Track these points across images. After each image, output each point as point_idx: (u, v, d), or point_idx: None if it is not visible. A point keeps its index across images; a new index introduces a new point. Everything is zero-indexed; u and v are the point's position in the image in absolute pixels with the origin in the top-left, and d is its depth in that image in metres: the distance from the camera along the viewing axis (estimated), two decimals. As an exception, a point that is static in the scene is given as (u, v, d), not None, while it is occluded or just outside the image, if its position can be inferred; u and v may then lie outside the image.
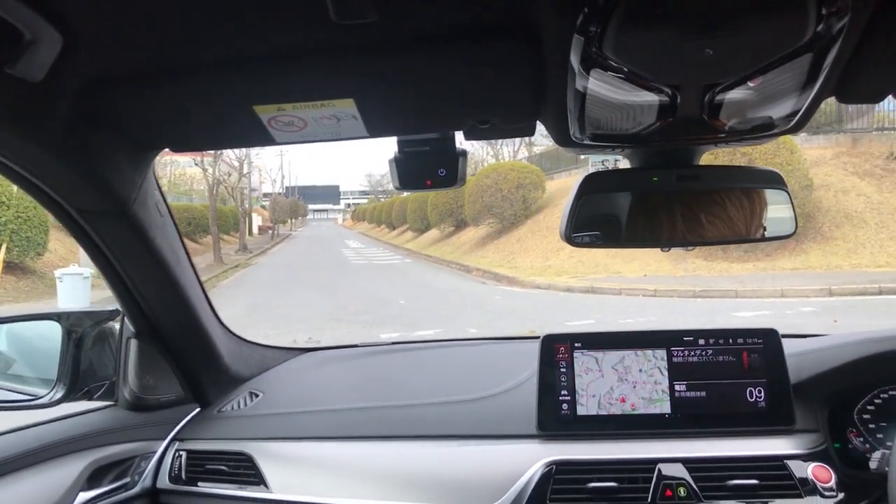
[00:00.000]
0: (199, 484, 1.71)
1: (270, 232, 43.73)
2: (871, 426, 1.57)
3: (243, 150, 29.03)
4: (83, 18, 0.88)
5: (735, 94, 0.95)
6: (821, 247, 13.88)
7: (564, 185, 19.00)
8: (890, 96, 1.03)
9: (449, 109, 1.13)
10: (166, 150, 1.29)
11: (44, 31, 0.85)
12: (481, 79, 1.02)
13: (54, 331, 1.69)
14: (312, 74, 1.00)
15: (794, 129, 1.10)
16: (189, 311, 1.67)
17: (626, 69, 0.87)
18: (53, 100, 1.01)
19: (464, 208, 23.10)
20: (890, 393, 1.59)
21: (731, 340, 1.60)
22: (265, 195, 66.16)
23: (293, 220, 63.13)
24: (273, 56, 0.97)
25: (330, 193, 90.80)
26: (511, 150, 35.21)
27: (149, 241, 1.43)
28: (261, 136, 1.15)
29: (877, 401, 1.59)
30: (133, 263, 1.49)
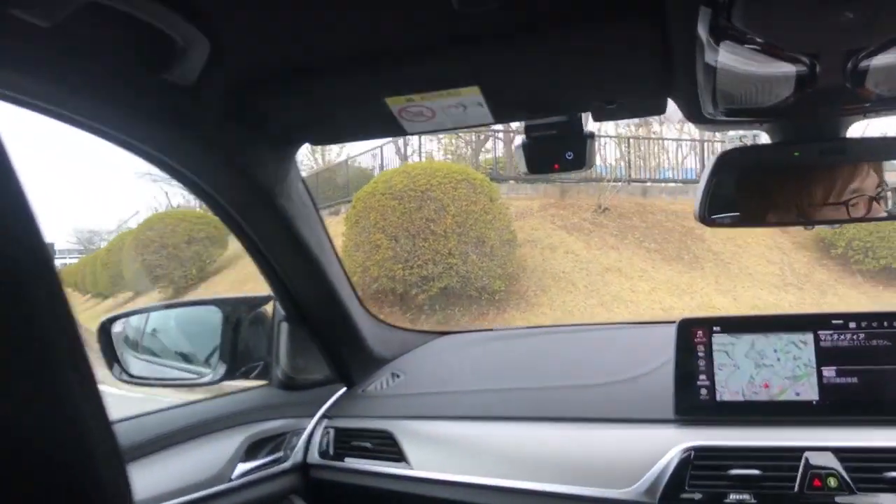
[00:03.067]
0: (346, 459, 1.81)
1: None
2: None
3: None
4: (229, 24, 0.96)
5: (883, 59, 0.89)
6: (524, 315, 10.89)
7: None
8: None
9: (574, 92, 1.13)
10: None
11: (194, 38, 0.94)
12: (606, 59, 1.01)
13: (215, 316, 1.84)
14: (438, 64, 1.04)
15: None
16: (334, 297, 1.76)
17: (758, 39, 0.84)
18: (204, 101, 1.11)
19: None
20: None
21: (885, 323, 1.49)
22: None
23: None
24: (400, 48, 1.01)
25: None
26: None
27: (294, 230, 1.53)
28: (393, 127, 1.20)
29: None
30: (280, 251, 1.60)
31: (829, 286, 12.53)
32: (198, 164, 1.28)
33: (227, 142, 1.24)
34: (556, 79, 1.08)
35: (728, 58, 0.90)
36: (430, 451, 1.71)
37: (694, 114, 1.13)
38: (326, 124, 1.29)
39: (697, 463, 1.45)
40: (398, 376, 1.99)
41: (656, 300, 11.32)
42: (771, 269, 12.88)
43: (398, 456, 1.73)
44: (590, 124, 1.30)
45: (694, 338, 1.58)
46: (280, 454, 1.79)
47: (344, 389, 1.98)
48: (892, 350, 1.47)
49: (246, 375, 1.87)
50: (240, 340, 1.84)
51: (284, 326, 1.84)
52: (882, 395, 1.46)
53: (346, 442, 1.83)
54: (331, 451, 1.83)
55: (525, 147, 1.30)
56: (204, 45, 0.96)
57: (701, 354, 1.57)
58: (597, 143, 1.33)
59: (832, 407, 1.48)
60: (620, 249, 12.71)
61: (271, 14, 0.94)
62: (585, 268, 12.19)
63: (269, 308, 1.89)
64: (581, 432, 1.61)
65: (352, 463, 1.80)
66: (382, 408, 1.86)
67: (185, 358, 1.95)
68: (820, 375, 1.49)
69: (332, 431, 1.85)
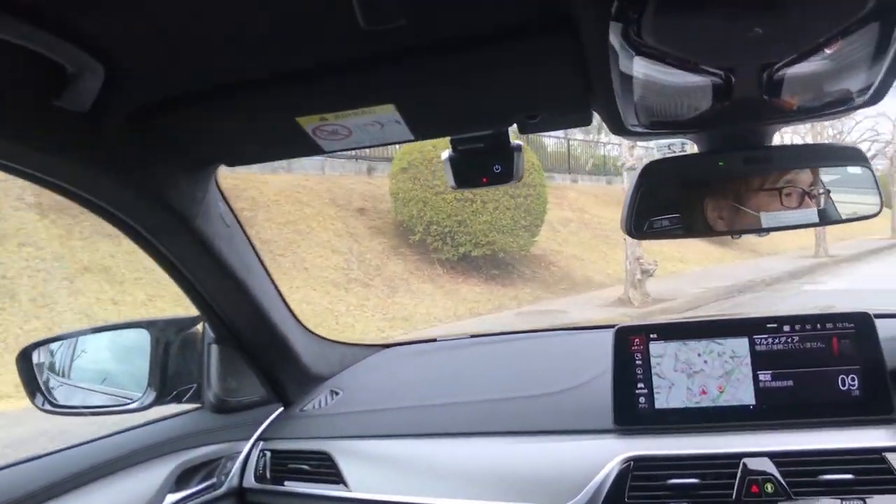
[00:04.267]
0: (286, 483, 1.76)
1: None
2: None
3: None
4: (123, 49, 0.90)
5: (796, 71, 0.88)
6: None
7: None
8: None
9: (493, 108, 1.10)
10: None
11: (85, 64, 0.88)
12: (523, 75, 0.99)
13: (143, 338, 1.77)
14: (350, 83, 1.00)
15: (873, 101, 1.01)
16: (264, 316, 1.71)
17: (670, 54, 0.82)
18: (104, 127, 1.05)
19: None
20: None
21: (819, 326, 1.50)
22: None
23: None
24: (310, 68, 0.97)
25: None
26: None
27: (216, 252, 1.47)
28: (309, 146, 1.16)
29: None
30: (204, 274, 1.54)
31: (402, 280, 11.38)
32: (106, 191, 1.21)
33: (135, 167, 1.18)
34: (474, 95, 1.05)
35: (644, 70, 0.88)
36: (368, 472, 1.68)
37: (616, 126, 1.11)
38: (238, 146, 1.24)
39: (637, 473, 1.44)
40: (337, 393, 1.94)
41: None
42: (334, 262, 11.16)
43: (336, 478, 1.68)
44: (518, 136, 1.27)
45: (631, 346, 1.57)
46: (214, 480, 1.73)
47: (280, 410, 1.92)
48: (825, 352, 1.48)
49: (177, 400, 1.80)
50: (170, 363, 1.76)
51: (215, 348, 1.78)
52: (816, 397, 1.47)
53: (284, 464, 1.77)
54: (268, 475, 1.77)
55: (452, 161, 1.27)
56: (97, 71, 0.91)
57: (638, 363, 1.56)
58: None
59: (768, 411, 1.48)
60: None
61: (170, 36, 0.89)
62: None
63: (199, 329, 1.83)
64: (522, 446, 1.59)
65: (290, 486, 1.75)
66: (320, 428, 1.81)
67: (114, 383, 1.86)
68: (756, 380, 1.50)
69: (268, 454, 1.79)
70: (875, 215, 1.19)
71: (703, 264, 15.63)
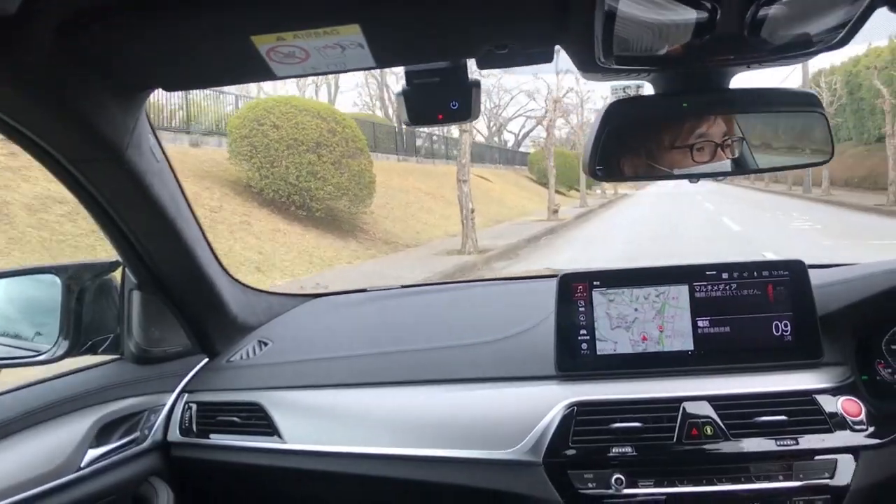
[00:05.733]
0: (212, 436, 1.68)
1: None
2: None
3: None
4: None
5: (780, 8, 0.86)
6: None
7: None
8: None
9: (463, 33, 1.03)
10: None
11: None
12: (498, 1, 0.92)
13: (54, 285, 1.63)
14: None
15: (839, 45, 1.01)
16: (192, 260, 1.60)
17: None
18: (30, 35, 0.92)
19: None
20: None
21: (755, 273, 1.54)
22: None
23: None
24: None
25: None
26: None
27: (146, 189, 1.35)
28: (260, 70, 1.06)
29: None
30: (131, 212, 1.42)
31: (254, 235, 12.27)
32: (24, 110, 1.08)
33: (61, 85, 1.04)
34: (446, 19, 0.99)
35: (629, 3, 0.84)
36: (302, 423, 1.62)
37: (584, 61, 1.07)
38: (181, 67, 1.12)
39: (580, 418, 1.45)
40: (266, 344, 1.87)
41: None
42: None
43: (269, 429, 1.62)
44: (475, 71, 1.21)
45: (574, 293, 1.57)
46: (136, 434, 1.63)
47: (206, 360, 1.83)
48: (761, 299, 1.52)
49: (93, 350, 1.67)
50: (85, 312, 1.63)
51: (136, 295, 1.66)
52: (752, 342, 1.51)
53: (211, 417, 1.69)
54: (194, 428, 1.69)
55: (406, 95, 1.19)
56: None
57: (581, 310, 1.56)
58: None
59: (707, 356, 1.51)
60: None
61: None
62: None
63: (117, 275, 1.70)
64: (464, 393, 1.57)
65: (218, 439, 1.67)
66: (250, 378, 1.74)
67: (19, 334, 1.72)
68: (695, 326, 1.52)
69: (194, 406, 1.71)
70: (827, 161, 1.20)
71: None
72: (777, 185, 33.67)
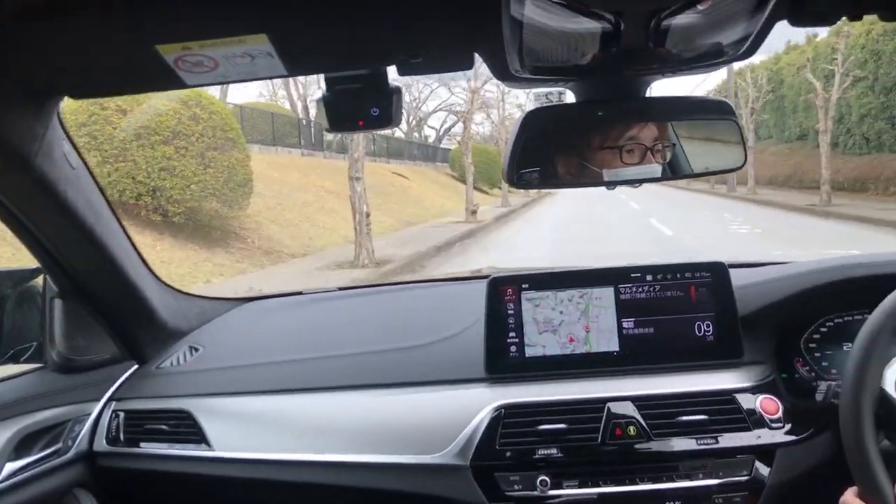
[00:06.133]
0: (141, 444, 1.65)
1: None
2: (817, 355, 1.58)
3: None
4: None
5: (682, 19, 0.89)
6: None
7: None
8: None
9: (375, 43, 1.03)
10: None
11: None
12: (409, 8, 0.93)
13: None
14: (218, 8, 0.89)
15: (746, 55, 1.05)
16: (115, 267, 1.57)
17: None
18: None
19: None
20: (835, 321, 1.59)
21: (678, 275, 1.57)
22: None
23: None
24: None
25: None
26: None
27: (59, 196, 1.32)
28: (169, 79, 1.03)
29: (822, 329, 1.60)
30: (46, 221, 1.38)
31: None
32: None
33: None
34: (356, 30, 0.98)
35: (534, 13, 0.86)
36: (232, 430, 1.61)
37: (500, 71, 1.08)
38: (88, 75, 1.09)
39: (508, 421, 1.47)
40: (197, 350, 1.84)
41: None
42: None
43: (198, 437, 1.60)
44: (397, 78, 1.22)
45: (504, 296, 1.59)
46: (59, 445, 1.58)
47: (135, 367, 1.79)
48: (684, 301, 1.56)
49: (15, 360, 1.63)
50: (6, 320, 1.59)
51: (58, 303, 1.62)
52: (675, 343, 1.55)
53: (139, 425, 1.66)
54: (121, 437, 1.66)
55: (326, 102, 1.19)
56: None
57: (511, 313, 1.57)
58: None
59: (632, 357, 1.55)
60: None
61: None
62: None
63: (39, 282, 1.65)
64: (395, 398, 1.57)
65: (146, 448, 1.64)
66: (179, 385, 1.71)
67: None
68: (620, 327, 1.56)
69: (121, 415, 1.68)
70: (740, 167, 1.25)
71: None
72: (698, 182, 33.86)
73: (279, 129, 22.18)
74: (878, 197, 20.24)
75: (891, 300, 1.17)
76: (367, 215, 11.13)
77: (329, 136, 25.92)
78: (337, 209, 16.36)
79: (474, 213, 19.19)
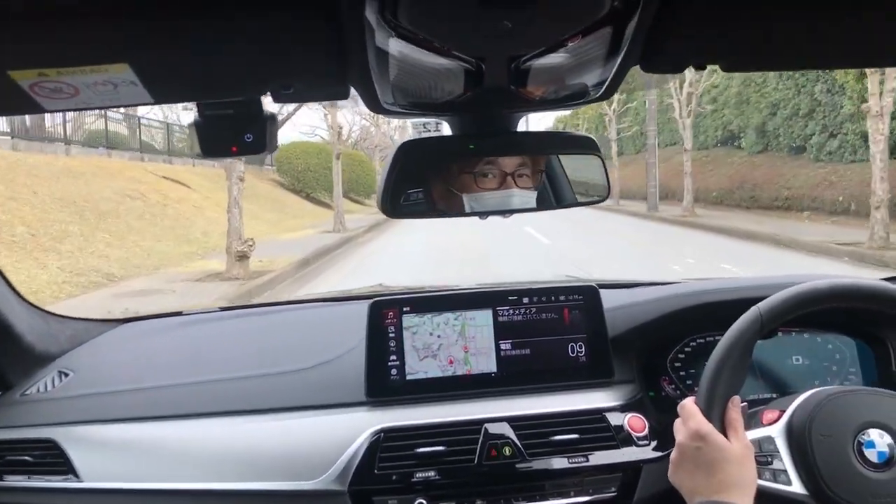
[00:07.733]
0: (4, 478, 1.56)
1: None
2: (682, 373, 1.67)
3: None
4: None
5: (540, 64, 0.93)
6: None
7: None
8: None
9: (242, 75, 1.02)
10: None
11: None
12: (275, 44, 0.92)
13: None
14: (75, 36, 0.86)
15: (605, 96, 1.10)
16: None
17: (425, 38, 0.82)
18: None
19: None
20: (698, 341, 1.69)
21: (553, 298, 1.63)
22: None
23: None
24: (29, 14, 0.83)
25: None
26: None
27: None
28: (26, 104, 0.99)
29: (686, 349, 1.68)
30: None
31: None
32: None
33: None
34: (222, 62, 0.97)
35: (400, 51, 0.88)
36: (101, 460, 1.54)
37: (373, 103, 1.10)
38: None
39: (386, 444, 1.48)
40: (66, 375, 1.75)
41: None
42: None
43: (64, 468, 1.53)
44: (271, 104, 1.21)
45: (385, 319, 1.60)
46: None
47: None
48: (558, 322, 1.61)
49: None
50: None
51: None
52: (550, 364, 1.60)
53: (1, 457, 1.57)
54: None
55: (197, 127, 1.16)
56: None
57: (392, 335, 1.59)
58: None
59: (509, 378, 1.59)
60: None
61: None
62: None
63: None
64: (274, 423, 1.55)
65: (8, 481, 1.56)
66: (45, 413, 1.63)
67: None
68: (498, 349, 1.59)
69: None
70: (603, 200, 1.31)
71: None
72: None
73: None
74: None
75: (738, 322, 1.23)
76: None
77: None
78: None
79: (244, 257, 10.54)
